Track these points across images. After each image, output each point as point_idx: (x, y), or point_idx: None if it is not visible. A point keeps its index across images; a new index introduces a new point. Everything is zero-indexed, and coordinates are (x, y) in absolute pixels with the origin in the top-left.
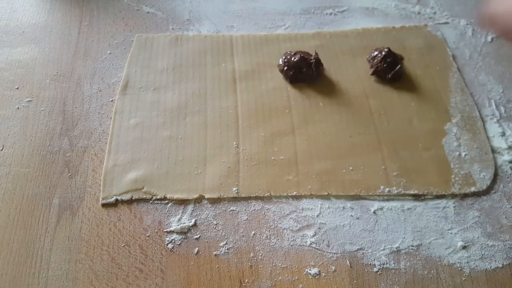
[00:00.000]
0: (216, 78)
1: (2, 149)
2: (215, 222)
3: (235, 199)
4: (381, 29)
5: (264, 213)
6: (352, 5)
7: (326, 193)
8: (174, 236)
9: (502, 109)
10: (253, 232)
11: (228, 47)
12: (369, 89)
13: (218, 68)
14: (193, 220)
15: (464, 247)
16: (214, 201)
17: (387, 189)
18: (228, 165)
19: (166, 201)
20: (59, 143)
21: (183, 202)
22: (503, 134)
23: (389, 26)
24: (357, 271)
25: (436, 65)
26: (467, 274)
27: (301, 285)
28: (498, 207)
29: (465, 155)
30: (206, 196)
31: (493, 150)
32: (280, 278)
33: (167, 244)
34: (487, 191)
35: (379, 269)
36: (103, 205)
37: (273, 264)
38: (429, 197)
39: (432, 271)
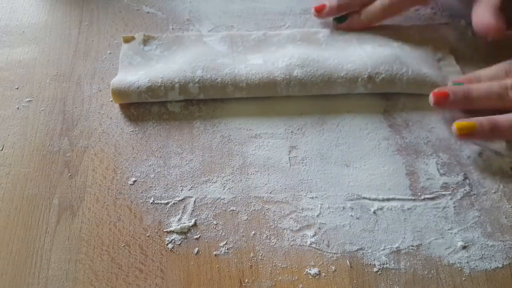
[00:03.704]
0: None
1: (2, 149)
2: (215, 222)
3: (235, 200)
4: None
5: (264, 213)
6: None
7: None
8: (174, 236)
9: None
10: (253, 232)
11: None
12: None
13: None
14: (193, 220)
15: (464, 247)
16: (214, 202)
17: None
18: None
19: (166, 201)
20: (59, 143)
21: (183, 202)
22: None
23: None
24: (357, 271)
25: None
26: (467, 274)
27: (301, 285)
28: (498, 207)
29: None
30: None
31: (493, 151)
32: (280, 278)
33: (167, 244)
34: (487, 191)
35: (379, 269)
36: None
37: (273, 264)
38: (429, 197)
39: (432, 271)
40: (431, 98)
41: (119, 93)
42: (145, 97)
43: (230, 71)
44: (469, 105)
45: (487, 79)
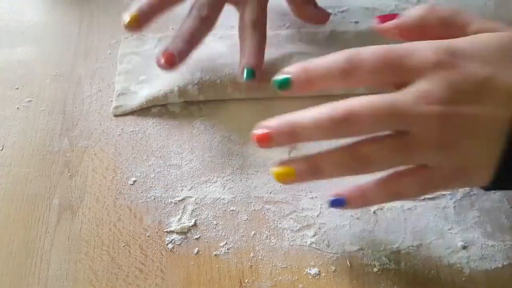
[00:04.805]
0: None
1: (2, 149)
2: (215, 222)
3: (235, 200)
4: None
5: (264, 213)
6: (352, 5)
7: None
8: (174, 236)
9: None
10: (253, 232)
11: None
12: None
13: None
14: (193, 220)
15: (464, 247)
16: (214, 202)
17: None
18: None
19: (166, 201)
20: (59, 143)
21: (183, 202)
22: None
23: None
24: (357, 271)
25: None
26: (467, 274)
27: (301, 285)
28: (498, 207)
29: None
30: None
31: None
32: (280, 278)
33: (167, 244)
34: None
35: (379, 269)
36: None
37: (273, 264)
38: (429, 197)
39: (432, 271)
40: (253, 140)
41: (122, 114)
42: (146, 105)
43: (230, 72)
44: (298, 142)
45: (318, 78)
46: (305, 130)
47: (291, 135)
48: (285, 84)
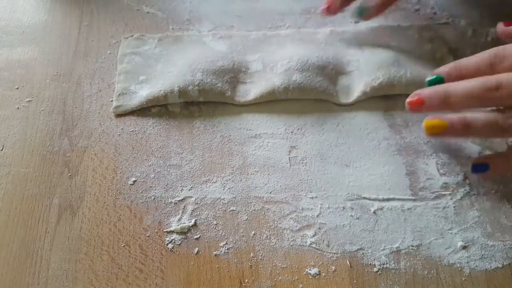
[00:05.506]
0: None
1: (2, 149)
2: (215, 222)
3: (235, 200)
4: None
5: (264, 213)
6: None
7: None
8: (174, 236)
9: None
10: (253, 232)
11: None
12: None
13: None
14: (193, 220)
15: (464, 247)
16: (214, 202)
17: None
18: None
19: (166, 201)
20: (59, 143)
21: (183, 202)
22: None
23: (394, 25)
24: (357, 271)
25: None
26: (467, 274)
27: (301, 285)
28: (498, 207)
29: None
30: None
31: (494, 151)
32: (280, 278)
33: (167, 244)
34: (487, 191)
35: (379, 269)
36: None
37: (273, 264)
38: (429, 197)
39: (432, 271)
40: (406, 105)
41: (122, 113)
42: (146, 105)
43: (230, 79)
44: (447, 109)
45: (469, 72)
46: (457, 97)
47: (443, 101)
48: (438, 81)
